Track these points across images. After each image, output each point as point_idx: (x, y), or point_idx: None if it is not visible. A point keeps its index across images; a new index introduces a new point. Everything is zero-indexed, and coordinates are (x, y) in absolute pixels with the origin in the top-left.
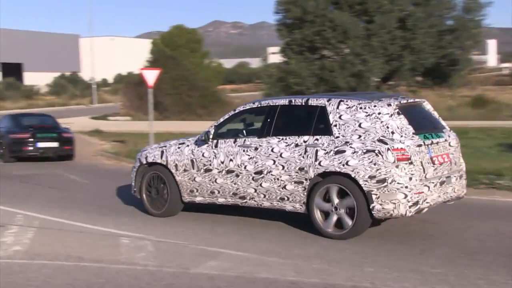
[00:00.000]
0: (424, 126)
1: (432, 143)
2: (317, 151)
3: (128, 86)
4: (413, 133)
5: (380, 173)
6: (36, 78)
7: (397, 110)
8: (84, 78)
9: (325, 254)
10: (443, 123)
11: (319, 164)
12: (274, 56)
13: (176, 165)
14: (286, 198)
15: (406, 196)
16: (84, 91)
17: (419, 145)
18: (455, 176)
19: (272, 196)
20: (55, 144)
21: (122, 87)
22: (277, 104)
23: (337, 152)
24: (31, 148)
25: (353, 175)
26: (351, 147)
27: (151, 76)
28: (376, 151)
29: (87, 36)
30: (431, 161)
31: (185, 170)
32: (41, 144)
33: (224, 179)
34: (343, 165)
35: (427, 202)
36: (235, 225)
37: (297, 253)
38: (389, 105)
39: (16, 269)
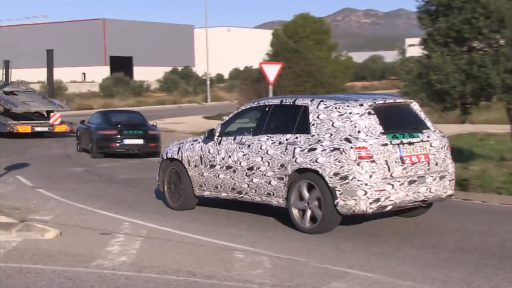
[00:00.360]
0: (400, 126)
1: (402, 143)
2: (294, 148)
3: (245, 83)
4: (380, 133)
5: (343, 170)
6: (146, 73)
7: (369, 110)
8: (198, 73)
9: (471, 281)
10: (429, 124)
11: (295, 161)
12: (413, 49)
13: (189, 161)
14: (271, 194)
15: (366, 193)
16: (197, 87)
17: (384, 144)
18: (432, 177)
19: (261, 191)
20: (140, 141)
21: (239, 83)
22: (270, 103)
23: (310, 150)
24: (117, 144)
25: (320, 172)
26: (321, 145)
27: (271, 71)
28: (341, 149)
29: (201, 26)
30: (401, 160)
31: (195, 166)
32: (127, 141)
33: (225, 175)
34: (313, 162)
35: (390, 200)
36: (363, 241)
37: (434, 277)
38: (361, 105)
39: (122, 281)
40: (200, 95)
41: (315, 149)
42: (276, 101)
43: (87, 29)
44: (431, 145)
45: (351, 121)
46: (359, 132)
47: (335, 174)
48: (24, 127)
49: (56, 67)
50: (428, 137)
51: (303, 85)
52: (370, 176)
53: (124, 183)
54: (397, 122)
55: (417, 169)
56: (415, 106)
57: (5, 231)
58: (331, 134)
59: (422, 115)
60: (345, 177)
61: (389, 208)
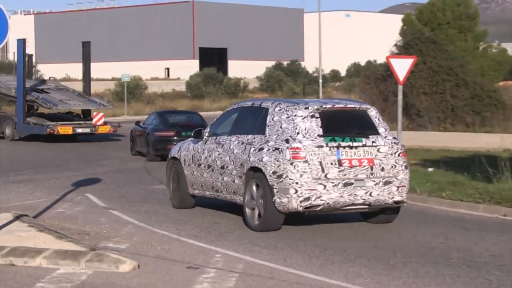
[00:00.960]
0: (343, 130)
1: (339, 145)
2: (250, 148)
3: (367, 81)
4: (318, 135)
5: (279, 169)
6: (243, 69)
7: (313, 113)
8: (307, 69)
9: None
10: (381, 130)
11: (249, 160)
12: None
13: (184, 160)
14: (236, 192)
15: (296, 191)
16: (307, 87)
17: (319, 146)
18: (374, 181)
19: (229, 190)
20: None
21: (359, 82)
22: (244, 105)
23: (259, 149)
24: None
25: (263, 170)
26: (268, 145)
27: (402, 67)
28: (280, 149)
29: (313, 11)
30: (338, 163)
31: (188, 165)
32: None
33: (207, 173)
34: (260, 161)
35: (321, 200)
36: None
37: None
38: (306, 108)
39: None
40: (310, 96)
41: (263, 148)
42: (249, 104)
43: (172, 15)
44: (378, 151)
45: (294, 123)
46: (298, 133)
47: (274, 172)
48: (65, 128)
49: (134, 61)
50: (374, 142)
51: (441, 84)
52: (301, 176)
53: (213, 204)
54: (341, 126)
55: (357, 172)
56: (372, 112)
57: (73, 261)
58: (278, 135)
59: (376, 121)
60: (281, 176)
61: (320, 207)
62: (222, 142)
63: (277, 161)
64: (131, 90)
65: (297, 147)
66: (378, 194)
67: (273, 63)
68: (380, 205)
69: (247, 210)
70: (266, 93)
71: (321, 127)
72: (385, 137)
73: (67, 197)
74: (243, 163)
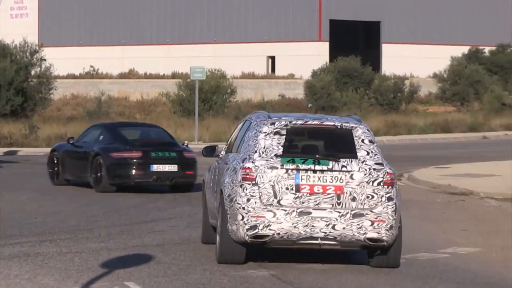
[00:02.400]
0: (311, 151)
1: (298, 168)
2: (226, 168)
3: None
4: (275, 155)
5: (232, 191)
6: (407, 59)
7: (278, 130)
8: None
9: None
10: (364, 152)
11: (220, 181)
12: None
13: (206, 182)
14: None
15: (243, 217)
16: None
17: (273, 167)
18: (339, 212)
19: (214, 216)
20: (174, 168)
21: None
22: (245, 119)
23: (227, 170)
24: (142, 172)
25: (223, 193)
26: (232, 164)
27: None
28: (236, 169)
29: None
30: (295, 188)
31: (207, 188)
32: (156, 167)
33: (212, 198)
34: (224, 182)
35: (270, 230)
36: None
37: None
38: (272, 124)
39: None
40: None
41: (229, 168)
42: (251, 115)
43: None
44: (351, 177)
45: (256, 140)
46: (255, 152)
47: (228, 196)
48: None
49: (208, 43)
50: (344, 167)
51: None
52: (248, 200)
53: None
54: (309, 147)
55: (319, 200)
56: (357, 131)
57: None
58: (244, 153)
59: (359, 142)
60: (232, 199)
61: (269, 238)
62: (222, 161)
63: (232, 182)
64: (207, 96)
65: (248, 168)
66: (343, 228)
67: (463, 49)
68: (351, 241)
69: (217, 239)
70: (451, 105)
71: (282, 146)
72: (363, 161)
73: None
74: (218, 185)
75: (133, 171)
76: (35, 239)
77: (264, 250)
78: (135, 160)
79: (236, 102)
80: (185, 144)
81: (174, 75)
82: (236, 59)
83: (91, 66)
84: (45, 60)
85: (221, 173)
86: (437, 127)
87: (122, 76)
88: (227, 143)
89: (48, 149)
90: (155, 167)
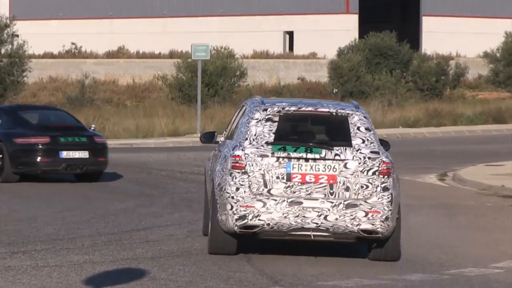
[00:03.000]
0: (304, 139)
1: (289, 156)
2: (218, 156)
3: None
4: (266, 142)
5: (222, 180)
6: (451, 35)
7: (270, 117)
8: None
9: None
10: (359, 140)
11: (212, 170)
12: None
13: (206, 171)
14: (211, 211)
15: (232, 207)
16: None
17: (263, 156)
18: (332, 202)
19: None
20: (85, 154)
21: None
22: (243, 104)
23: (219, 157)
24: (50, 160)
25: (214, 181)
26: (223, 152)
27: None
28: (226, 157)
29: None
30: (286, 177)
31: (206, 177)
32: (66, 154)
33: (211, 187)
34: (215, 170)
35: (260, 220)
36: None
37: None
38: (264, 110)
39: None
40: None
41: (221, 156)
42: (247, 101)
43: None
44: (344, 166)
45: (247, 127)
46: (246, 139)
47: (218, 184)
48: None
49: (212, 16)
50: (338, 155)
51: None
52: (237, 189)
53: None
54: (301, 134)
55: (311, 190)
56: (353, 118)
57: None
58: (236, 141)
59: (354, 130)
60: (222, 188)
61: (259, 229)
62: (219, 149)
63: (222, 171)
64: (212, 80)
65: (238, 155)
66: (336, 219)
67: None
68: (344, 233)
69: (209, 230)
70: (505, 90)
71: (274, 133)
72: (358, 150)
73: None
74: (211, 173)
75: (40, 158)
76: (5, 251)
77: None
78: (41, 146)
79: (246, 87)
80: (92, 128)
81: (172, 54)
82: (247, 35)
83: (73, 44)
84: (17, 36)
85: (215, 161)
86: (488, 117)
87: (109, 55)
88: (227, 128)
89: None
90: (65, 154)
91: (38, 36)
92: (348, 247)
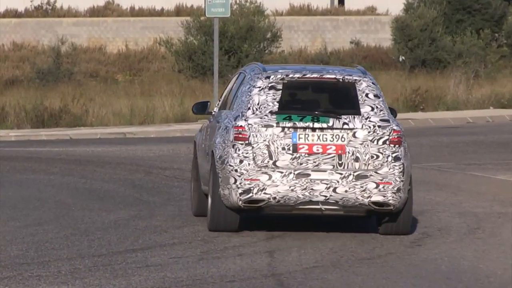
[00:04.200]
0: (310, 107)
1: (295, 126)
2: (217, 127)
3: None
4: (270, 112)
5: (224, 152)
6: None
7: (273, 84)
8: None
9: None
10: (368, 108)
11: (211, 142)
12: None
13: (197, 144)
14: (209, 185)
15: (236, 181)
16: None
17: (268, 126)
18: (341, 174)
19: (206, 182)
20: None
21: None
22: (243, 70)
23: (218, 128)
24: None
25: (214, 154)
26: (223, 123)
27: None
28: (227, 128)
29: None
30: (292, 148)
31: (199, 151)
32: None
33: (204, 162)
34: (214, 143)
35: (265, 193)
36: None
37: None
38: (266, 78)
39: None
40: None
41: (220, 127)
42: (245, 68)
43: None
44: (353, 135)
45: (249, 95)
46: (248, 109)
47: (220, 157)
48: None
49: None
50: (346, 124)
51: None
52: (241, 162)
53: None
54: (307, 102)
55: (318, 161)
56: (361, 85)
57: None
58: (237, 110)
59: (362, 97)
60: (223, 161)
61: (264, 203)
62: (215, 120)
63: (224, 143)
64: (234, 45)
65: (240, 126)
66: (346, 191)
67: None
68: (354, 206)
69: (208, 204)
70: None
71: (278, 101)
72: (367, 118)
73: None
74: (209, 146)
75: None
76: None
77: None
78: None
79: (280, 54)
80: None
81: (178, 11)
82: None
83: None
84: None
85: (213, 133)
86: None
87: (94, 13)
88: (220, 98)
89: None
90: None
91: None
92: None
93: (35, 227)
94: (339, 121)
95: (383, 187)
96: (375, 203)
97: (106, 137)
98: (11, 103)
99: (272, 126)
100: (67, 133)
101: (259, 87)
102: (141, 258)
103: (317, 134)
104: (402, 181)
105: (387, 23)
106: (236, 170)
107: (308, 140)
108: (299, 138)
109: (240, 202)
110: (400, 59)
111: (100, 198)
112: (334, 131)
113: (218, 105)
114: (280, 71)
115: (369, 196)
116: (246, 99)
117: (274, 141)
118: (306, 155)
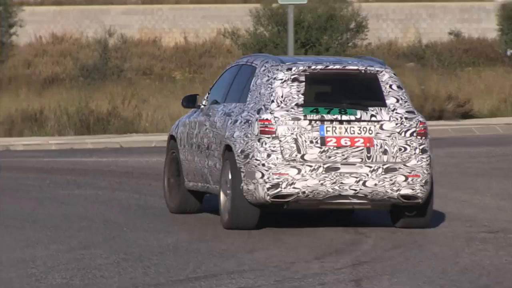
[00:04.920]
0: (336, 99)
1: (323, 119)
2: (228, 120)
3: None
4: (296, 104)
5: (247, 146)
6: None
7: (296, 76)
8: None
9: None
10: (393, 99)
11: (225, 136)
12: None
13: (180, 139)
14: (218, 181)
15: (263, 175)
16: None
17: (296, 119)
18: (370, 167)
19: (215, 178)
20: None
21: None
22: (239, 63)
23: (234, 122)
24: None
25: (233, 149)
26: (241, 116)
27: None
28: (249, 122)
29: None
30: (321, 141)
31: (183, 146)
32: None
33: (197, 156)
34: (232, 136)
35: (294, 188)
36: None
37: None
38: (288, 69)
39: None
40: None
41: (237, 121)
42: (244, 60)
43: None
44: (381, 127)
45: (271, 88)
46: (272, 102)
47: (242, 151)
48: None
49: None
50: (374, 116)
51: None
52: (269, 156)
53: None
54: (333, 94)
55: (347, 154)
56: (384, 76)
57: None
58: (255, 103)
59: (386, 88)
60: (247, 155)
61: (293, 198)
62: (211, 113)
63: (246, 136)
64: (311, 36)
65: (266, 119)
66: (375, 185)
67: None
68: (382, 199)
69: (222, 203)
70: None
71: (303, 94)
72: (394, 110)
73: None
74: (221, 140)
75: None
76: None
77: None
78: None
79: (367, 47)
80: None
81: None
82: None
83: None
84: None
85: (222, 126)
86: None
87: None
88: (209, 91)
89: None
90: None
91: None
92: None
93: (80, 251)
94: (366, 113)
95: (412, 180)
96: (404, 196)
97: (162, 145)
98: (50, 105)
99: (299, 119)
100: (117, 140)
101: (281, 79)
102: (205, 287)
103: (345, 127)
104: (429, 173)
105: (492, 11)
106: (263, 165)
107: (335, 133)
108: (327, 130)
109: (268, 197)
110: (508, 53)
111: (156, 216)
112: (362, 123)
113: (207, 98)
114: (299, 62)
115: (398, 190)
116: (268, 91)
117: (302, 134)
118: (335, 148)
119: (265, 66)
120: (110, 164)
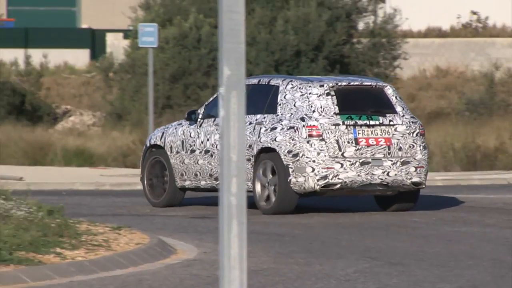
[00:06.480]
0: (360, 108)
1: (356, 124)
2: (260, 128)
3: None
4: (334, 113)
5: (295, 147)
6: None
7: (328, 91)
8: None
9: None
10: (399, 108)
11: (260, 140)
12: None
13: (171, 147)
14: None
15: (313, 169)
16: None
17: (336, 124)
18: (392, 161)
19: (183, 177)
20: None
21: None
22: (249, 83)
23: (272, 129)
24: None
25: (277, 150)
26: (281, 124)
27: None
28: (295, 128)
29: None
30: (355, 141)
31: (177, 152)
32: None
33: (203, 160)
34: (273, 140)
35: (338, 178)
36: None
37: None
38: (321, 86)
39: None
40: None
41: (276, 128)
42: (255, 81)
43: None
44: (395, 130)
45: (309, 101)
46: (313, 111)
47: (289, 151)
48: None
49: None
50: (391, 121)
51: None
52: (318, 154)
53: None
54: (358, 104)
55: (374, 151)
56: (389, 90)
57: None
58: (292, 114)
59: (393, 99)
60: (296, 154)
61: (338, 186)
62: (209, 123)
63: (292, 139)
64: None
65: (314, 125)
66: (395, 174)
67: None
68: (398, 186)
69: (258, 193)
70: None
71: (336, 105)
72: (403, 116)
73: None
74: (252, 144)
75: None
76: None
77: None
78: None
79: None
80: None
81: None
82: None
83: (474, 13)
84: (383, 1)
85: (250, 134)
86: None
87: None
88: (205, 107)
89: None
90: None
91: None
92: None
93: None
94: (386, 118)
95: (419, 170)
96: (414, 183)
97: None
98: (436, 140)
99: (339, 124)
100: (504, 177)
101: (317, 93)
102: None
103: (371, 130)
104: (427, 164)
105: None
106: (314, 161)
107: (364, 134)
108: (358, 133)
109: (318, 186)
110: None
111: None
112: (382, 127)
113: (202, 112)
114: (325, 80)
115: (411, 178)
116: (307, 104)
117: (341, 136)
118: (365, 146)
119: (292, 84)
120: (497, 201)
